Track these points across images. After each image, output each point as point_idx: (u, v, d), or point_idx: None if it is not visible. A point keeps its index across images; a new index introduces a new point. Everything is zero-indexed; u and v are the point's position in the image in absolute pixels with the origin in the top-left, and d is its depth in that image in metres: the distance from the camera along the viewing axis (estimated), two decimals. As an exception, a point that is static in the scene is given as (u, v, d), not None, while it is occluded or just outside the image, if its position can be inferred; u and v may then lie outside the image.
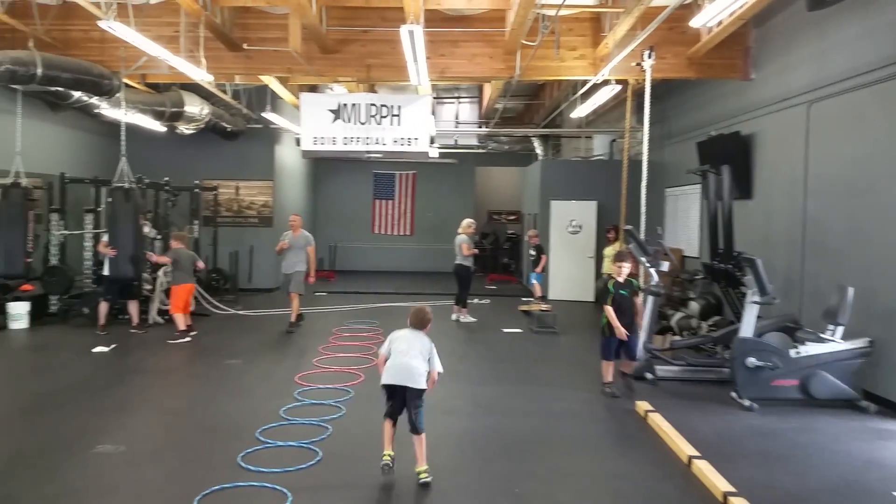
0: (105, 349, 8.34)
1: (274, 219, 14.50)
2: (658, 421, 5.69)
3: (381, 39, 9.21)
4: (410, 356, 4.52)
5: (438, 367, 4.63)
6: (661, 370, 7.19)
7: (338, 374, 7.25)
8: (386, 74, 9.58)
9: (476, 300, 13.02)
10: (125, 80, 9.78)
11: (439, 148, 15.42)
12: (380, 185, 19.15)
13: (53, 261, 10.51)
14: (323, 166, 18.79)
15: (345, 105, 9.83)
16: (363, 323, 10.41)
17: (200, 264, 9.61)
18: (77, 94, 9.82)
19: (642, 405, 6.08)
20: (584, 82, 10.11)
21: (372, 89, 12.38)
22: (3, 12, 8.03)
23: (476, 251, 11.09)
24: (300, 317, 10.06)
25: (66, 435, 5.27)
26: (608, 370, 6.71)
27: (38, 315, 9.97)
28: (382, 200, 19.22)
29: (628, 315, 6.57)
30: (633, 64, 8.41)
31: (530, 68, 9.02)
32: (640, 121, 10.07)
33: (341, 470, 4.69)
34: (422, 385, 4.51)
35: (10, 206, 9.29)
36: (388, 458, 4.53)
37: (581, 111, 11.58)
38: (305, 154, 10.29)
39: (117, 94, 9.67)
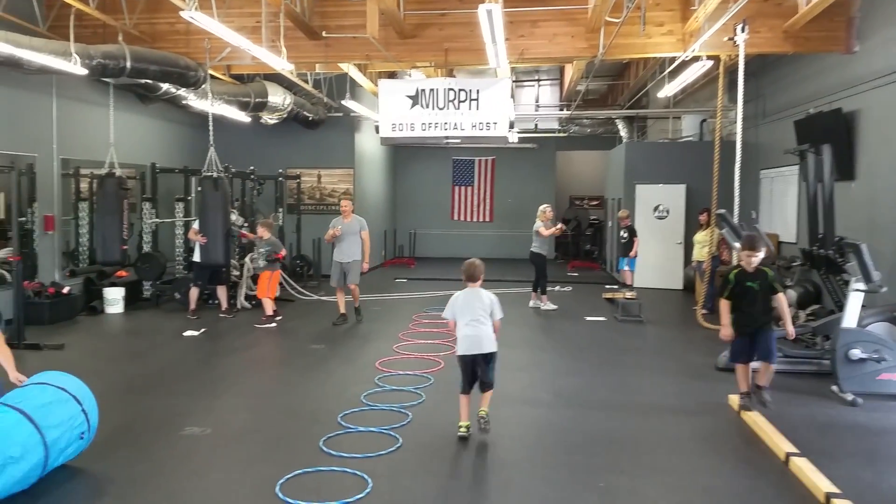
0: (195, 333, 8.65)
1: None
2: (752, 415, 5.37)
3: (459, 22, 9.08)
4: (478, 321, 4.90)
5: (500, 314, 4.99)
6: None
7: (418, 360, 7.24)
8: (464, 58, 9.45)
9: (558, 287, 12.76)
10: (210, 72, 10.04)
11: (519, 132, 15.18)
12: (459, 171, 19.07)
13: (146, 248, 10.99)
14: (402, 153, 18.88)
15: (423, 90, 9.75)
16: (442, 309, 10.33)
17: (282, 254, 9.79)
18: (165, 86, 10.15)
19: (735, 399, 5.74)
20: (672, 60, 9.65)
21: (450, 74, 12.28)
22: (94, 8, 8.35)
23: (556, 230, 10.72)
24: (357, 312, 9.53)
25: (157, 416, 5.45)
26: (743, 376, 5.59)
27: (132, 300, 10.45)
28: (461, 187, 19.14)
29: (756, 312, 5.42)
30: (725, 39, 7.92)
31: (614, 46, 8.67)
32: (732, 99, 9.54)
33: (421, 457, 4.64)
34: (493, 349, 4.91)
35: (105, 195, 9.70)
36: (465, 428, 4.89)
37: (669, 90, 11.07)
38: (384, 141, 10.27)
39: (203, 86, 9.95)
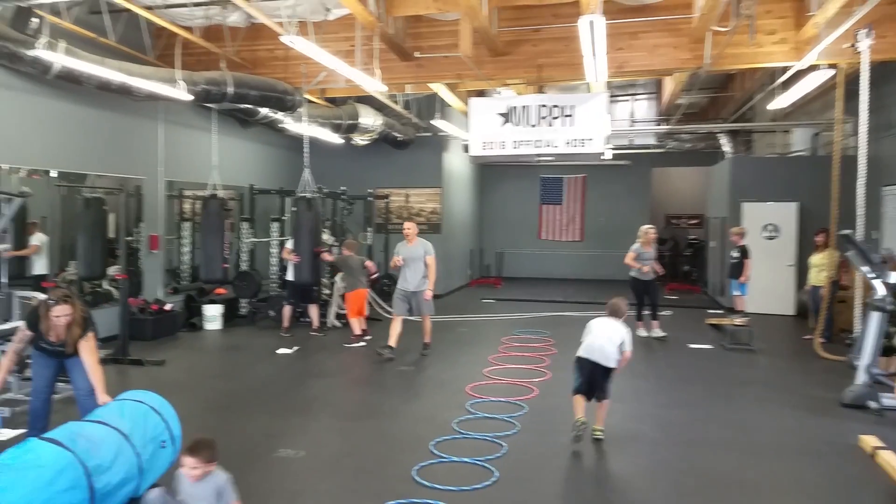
0: (288, 351, 8.72)
1: (442, 225, 14.62)
2: (890, 459, 4.79)
3: (553, 38, 8.87)
4: (605, 339, 5.25)
5: (629, 347, 5.30)
6: (888, 398, 6.13)
7: (510, 386, 6.97)
8: (558, 73, 9.22)
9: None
10: (306, 96, 10.27)
11: (612, 149, 14.71)
12: (547, 189, 18.69)
13: (243, 266, 11.27)
14: (489, 172, 18.73)
15: (514, 108, 9.56)
16: (532, 332, 10.06)
17: (369, 264, 9.78)
18: (264, 111, 10.50)
19: (868, 440, 5.16)
20: (784, 69, 9.04)
21: (541, 90, 12.04)
22: (199, 36, 8.66)
23: (648, 268, 9.59)
24: (425, 347, 8.58)
25: (252, 436, 5.44)
26: None
27: (230, 317, 10.69)
28: (550, 205, 18.74)
29: None
30: (845, 46, 7.32)
31: (722, 57, 8.18)
32: (851, 110, 8.82)
33: (519, 493, 4.37)
34: (612, 365, 5.26)
35: (209, 215, 10.04)
36: (581, 425, 5.12)
37: (781, 101, 10.34)
38: (474, 159, 10.15)
39: (299, 109, 10.18)
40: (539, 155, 9.58)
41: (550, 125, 9.37)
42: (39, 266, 8.55)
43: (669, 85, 12.97)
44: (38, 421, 4.84)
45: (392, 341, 8.28)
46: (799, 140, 13.37)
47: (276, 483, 4.52)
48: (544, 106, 9.41)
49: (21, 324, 4.86)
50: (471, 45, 8.46)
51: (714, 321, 10.43)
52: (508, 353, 8.58)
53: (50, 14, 7.15)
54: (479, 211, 18.72)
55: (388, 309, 11.50)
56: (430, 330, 8.69)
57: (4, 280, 6.94)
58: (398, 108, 12.38)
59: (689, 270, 17.88)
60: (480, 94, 12.54)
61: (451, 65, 9.12)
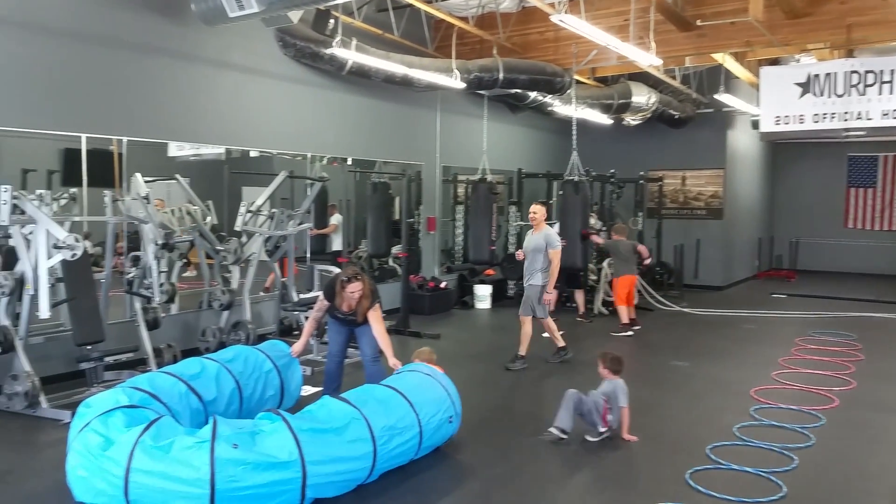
0: (553, 335, 8.68)
1: (724, 210, 13.46)
2: None
3: (867, -8, 7.59)
4: None
5: None
6: None
7: (804, 393, 6.10)
8: (874, 34, 8.02)
9: None
10: (576, 76, 10.13)
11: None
12: (857, 169, 16.10)
13: (511, 249, 11.54)
14: (782, 150, 16.73)
15: (816, 76, 8.48)
16: (834, 334, 8.72)
17: (642, 248, 9.30)
18: (533, 95, 10.64)
19: None
20: None
21: (849, 55, 10.41)
22: (472, 25, 8.95)
23: None
24: (556, 353, 7.35)
25: (518, 415, 5.52)
26: None
27: (498, 297, 11.03)
28: (860, 188, 16.14)
29: None
30: None
31: None
32: None
33: (813, 516, 3.76)
34: None
35: (477, 199, 10.49)
36: None
37: None
38: (764, 136, 9.16)
39: (568, 91, 10.07)
40: (847, 130, 8.51)
41: (863, 94, 8.25)
42: (336, 243, 9.68)
43: None
44: (332, 381, 5.38)
45: (522, 349, 7.07)
46: None
47: (541, 466, 4.48)
48: (855, 72, 8.24)
49: (319, 294, 5.43)
50: (762, 8, 7.60)
51: None
52: (803, 356, 7.53)
53: (343, 14, 7.91)
54: (770, 195, 16.88)
55: (660, 298, 10.89)
56: (554, 330, 7.24)
57: (308, 255, 7.91)
58: (676, 83, 11.64)
59: None
60: (773, 62, 11.25)
61: (739, 32, 8.41)
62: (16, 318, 5.36)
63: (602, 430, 4.82)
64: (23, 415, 5.20)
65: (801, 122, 8.55)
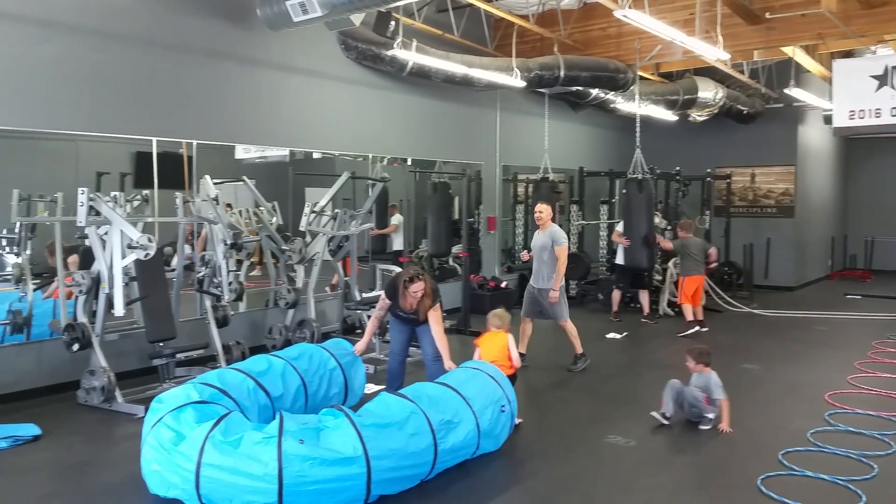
0: (617, 336, 8.55)
1: (795, 208, 12.99)
2: None
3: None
4: None
5: None
6: None
7: (882, 398, 5.82)
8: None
9: None
10: (639, 73, 9.93)
11: None
12: (937, 165, 15.31)
13: (573, 249, 11.36)
14: (857, 146, 16.01)
15: (894, 68, 8.08)
16: (916, 337, 8.31)
17: (713, 251, 9.04)
18: (594, 92, 10.50)
19: None
20: None
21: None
22: (533, 23, 8.87)
23: None
24: (575, 360, 6.92)
25: (580, 418, 5.42)
26: None
27: (560, 298, 10.88)
28: (943, 185, 15.33)
29: None
30: None
31: None
32: None
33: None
34: None
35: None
36: None
37: None
38: (838, 132, 8.80)
39: (631, 87, 9.88)
40: (929, 123, 7.99)
41: (948, 85, 7.75)
42: (397, 243, 9.75)
43: None
44: (394, 380, 5.41)
45: (521, 347, 6.83)
46: None
47: (606, 469, 4.40)
48: (936, 62, 7.77)
49: (381, 293, 5.48)
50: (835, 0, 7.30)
51: None
52: (882, 360, 7.19)
53: (404, 16, 7.97)
54: (843, 192, 16.18)
55: (728, 300, 10.56)
56: (574, 335, 6.91)
57: (369, 255, 7.99)
58: (744, 77, 11.28)
59: None
60: (847, 54, 10.77)
61: (810, 24, 8.17)
62: (93, 315, 5.60)
63: (710, 416, 5.06)
64: (100, 409, 5.42)
65: (878, 117, 8.21)
